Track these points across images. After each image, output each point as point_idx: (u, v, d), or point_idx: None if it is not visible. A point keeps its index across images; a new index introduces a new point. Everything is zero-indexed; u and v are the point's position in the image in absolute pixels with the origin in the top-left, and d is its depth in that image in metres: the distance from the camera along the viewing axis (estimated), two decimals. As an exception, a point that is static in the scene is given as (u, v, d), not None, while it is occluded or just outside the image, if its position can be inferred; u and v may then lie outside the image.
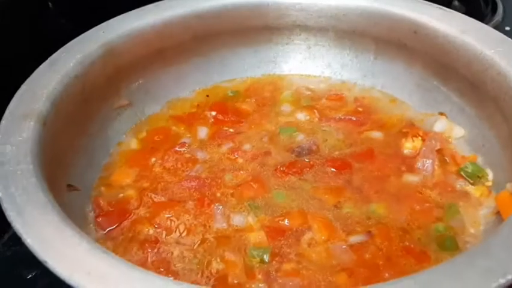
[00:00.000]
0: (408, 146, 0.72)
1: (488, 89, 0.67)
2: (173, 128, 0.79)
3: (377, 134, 0.75)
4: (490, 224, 0.61)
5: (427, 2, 0.78)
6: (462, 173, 0.68)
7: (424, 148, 0.71)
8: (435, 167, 0.69)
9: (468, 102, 0.73)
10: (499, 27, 1.01)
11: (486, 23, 0.85)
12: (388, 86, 0.83)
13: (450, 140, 0.73)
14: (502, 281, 0.40)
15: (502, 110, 0.65)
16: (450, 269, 0.42)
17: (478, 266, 0.42)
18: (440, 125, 0.74)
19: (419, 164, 0.69)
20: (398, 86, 0.82)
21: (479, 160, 0.69)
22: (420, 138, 0.72)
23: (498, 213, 0.60)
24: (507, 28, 1.04)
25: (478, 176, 0.66)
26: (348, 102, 0.83)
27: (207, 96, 0.85)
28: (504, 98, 0.64)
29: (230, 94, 0.85)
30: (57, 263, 0.42)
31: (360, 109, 0.81)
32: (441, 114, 0.76)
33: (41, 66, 0.67)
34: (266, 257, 0.58)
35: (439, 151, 0.71)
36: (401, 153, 0.72)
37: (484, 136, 0.70)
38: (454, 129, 0.74)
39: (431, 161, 0.69)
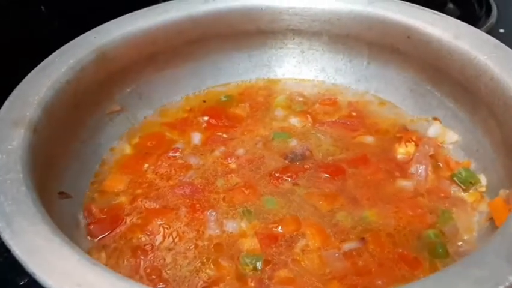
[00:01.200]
0: (402, 151, 0.72)
1: (481, 94, 0.67)
2: (167, 133, 0.78)
3: (370, 139, 0.75)
4: (483, 230, 0.61)
5: (421, 6, 0.77)
6: (455, 178, 0.68)
7: (418, 153, 0.71)
8: (429, 173, 0.69)
9: (462, 107, 0.73)
10: (493, 30, 1.01)
11: (480, 26, 0.85)
12: (382, 90, 0.83)
13: (443, 145, 0.73)
14: (494, 291, 0.40)
15: (495, 115, 0.65)
16: (443, 279, 0.42)
17: (470, 275, 0.42)
18: (434, 130, 0.74)
19: (412, 170, 0.69)
20: (391, 91, 0.82)
21: (473, 165, 0.69)
22: (413, 143, 0.72)
23: (492, 219, 0.60)
24: (501, 30, 1.04)
25: (471, 182, 0.66)
26: (342, 106, 0.82)
27: (204, 101, 0.84)
28: (498, 103, 0.64)
29: (223, 99, 0.85)
30: (46, 275, 0.42)
31: (353, 114, 0.80)
32: (435, 119, 0.76)
33: (32, 72, 0.66)
34: (259, 265, 0.58)
35: (433, 156, 0.71)
36: (395, 158, 0.72)
37: (477, 141, 0.70)
38: (447, 134, 0.73)
39: (424, 166, 0.69)
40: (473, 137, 0.71)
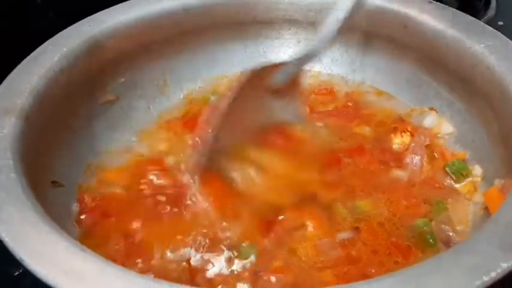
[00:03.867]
0: (397, 141, 0.71)
1: (478, 85, 0.67)
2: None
3: (366, 129, 0.75)
4: (478, 221, 0.60)
5: (417, -4, 0.77)
6: (447, 169, 0.67)
7: (413, 144, 0.70)
8: (424, 163, 0.68)
9: (458, 98, 0.72)
10: (492, 22, 1.00)
11: (479, 18, 0.84)
12: (378, 80, 0.82)
13: (439, 135, 0.72)
14: (486, 278, 0.39)
15: (492, 105, 0.65)
16: (434, 266, 0.41)
17: (463, 262, 0.41)
18: (430, 121, 0.74)
19: (407, 160, 0.69)
20: (387, 81, 0.81)
21: (469, 156, 0.68)
22: (409, 133, 0.71)
23: (486, 209, 0.60)
24: (500, 23, 1.03)
25: (462, 174, 0.66)
26: (338, 97, 0.82)
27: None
28: (494, 93, 0.64)
29: (212, 98, 0.82)
30: (34, 261, 0.41)
31: (349, 104, 0.80)
32: (431, 109, 0.75)
33: (24, 61, 0.65)
34: (253, 255, 0.58)
35: (428, 147, 0.70)
36: (390, 148, 0.71)
37: (474, 131, 0.69)
38: (443, 124, 0.73)
39: (419, 156, 0.68)
40: (469, 127, 0.70)
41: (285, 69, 0.62)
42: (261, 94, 0.63)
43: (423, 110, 0.76)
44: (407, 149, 0.70)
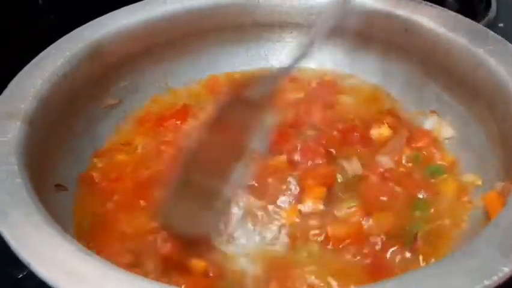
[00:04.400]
0: (374, 132, 0.71)
1: (478, 88, 0.67)
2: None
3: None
4: (476, 224, 0.60)
5: (419, -1, 0.77)
6: (427, 171, 0.67)
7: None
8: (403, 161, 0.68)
9: (459, 101, 0.73)
10: (492, 24, 1.00)
11: (479, 19, 0.85)
12: (379, 83, 0.83)
13: (439, 138, 0.72)
14: (487, 282, 0.40)
15: (492, 108, 0.65)
16: (435, 270, 0.42)
17: (463, 267, 0.42)
18: (430, 123, 0.74)
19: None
20: (389, 84, 0.81)
21: (468, 158, 0.68)
22: (387, 125, 0.71)
23: (486, 213, 0.60)
24: (500, 25, 1.03)
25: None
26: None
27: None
28: (494, 96, 0.64)
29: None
30: (39, 264, 0.42)
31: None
32: (432, 112, 0.76)
33: (28, 65, 0.66)
34: None
35: (422, 148, 0.70)
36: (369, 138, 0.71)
37: (474, 135, 0.69)
38: (444, 127, 0.73)
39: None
40: (469, 130, 0.70)
41: (269, 80, 0.60)
42: (238, 108, 0.60)
43: (424, 112, 0.76)
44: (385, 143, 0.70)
